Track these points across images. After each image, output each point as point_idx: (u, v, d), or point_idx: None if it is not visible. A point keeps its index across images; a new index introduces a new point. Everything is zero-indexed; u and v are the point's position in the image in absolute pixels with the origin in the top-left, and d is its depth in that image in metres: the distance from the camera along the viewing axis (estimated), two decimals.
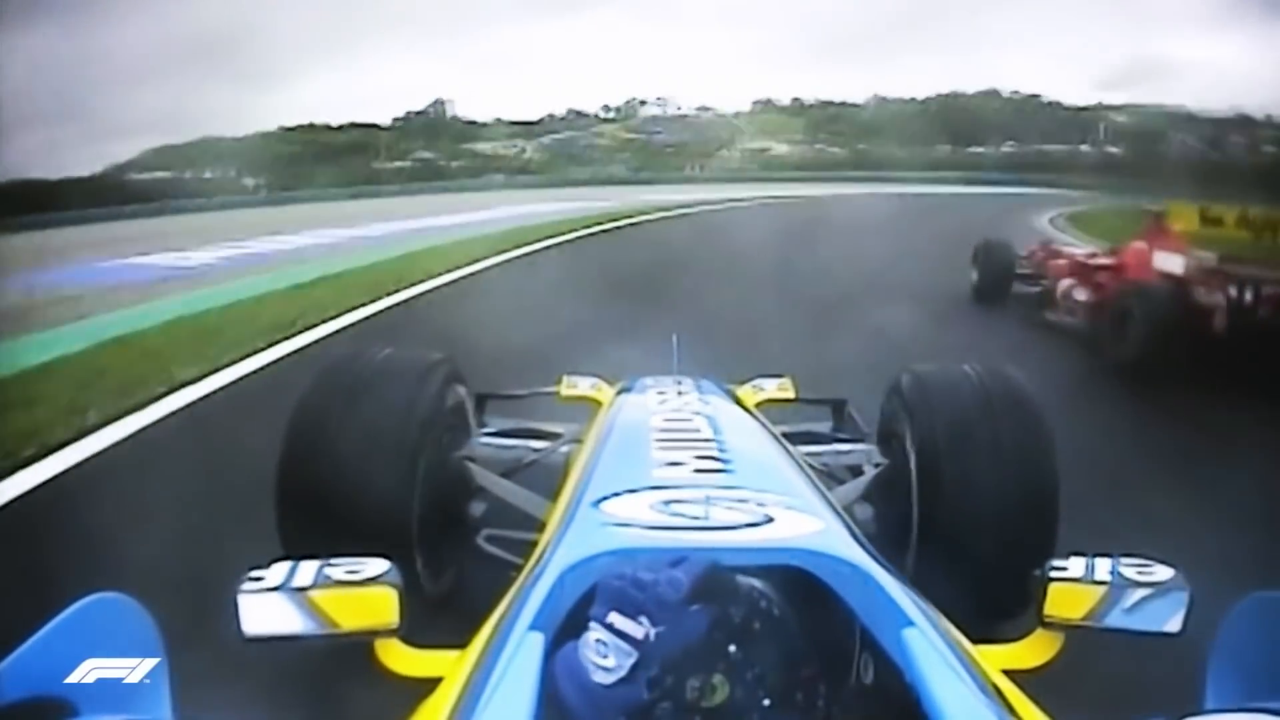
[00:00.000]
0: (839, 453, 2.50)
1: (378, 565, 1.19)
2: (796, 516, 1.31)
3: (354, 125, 41.76)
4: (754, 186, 29.15)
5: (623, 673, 0.89)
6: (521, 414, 2.88)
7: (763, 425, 2.09)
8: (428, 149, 40.47)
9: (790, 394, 3.00)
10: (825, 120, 47.16)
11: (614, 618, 0.90)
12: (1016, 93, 47.19)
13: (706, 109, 47.30)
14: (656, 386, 2.29)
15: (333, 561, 1.19)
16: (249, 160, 34.81)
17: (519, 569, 1.32)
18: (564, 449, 2.38)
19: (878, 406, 2.48)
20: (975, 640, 1.10)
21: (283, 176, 32.07)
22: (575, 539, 1.26)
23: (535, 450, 2.46)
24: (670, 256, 11.19)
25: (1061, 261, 6.84)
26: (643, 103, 47.07)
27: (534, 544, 1.43)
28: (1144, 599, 1.17)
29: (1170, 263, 5.62)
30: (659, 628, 0.90)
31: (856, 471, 2.42)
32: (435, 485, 2.11)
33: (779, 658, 0.99)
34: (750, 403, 2.54)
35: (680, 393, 2.21)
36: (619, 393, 2.39)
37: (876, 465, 2.34)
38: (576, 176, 37.60)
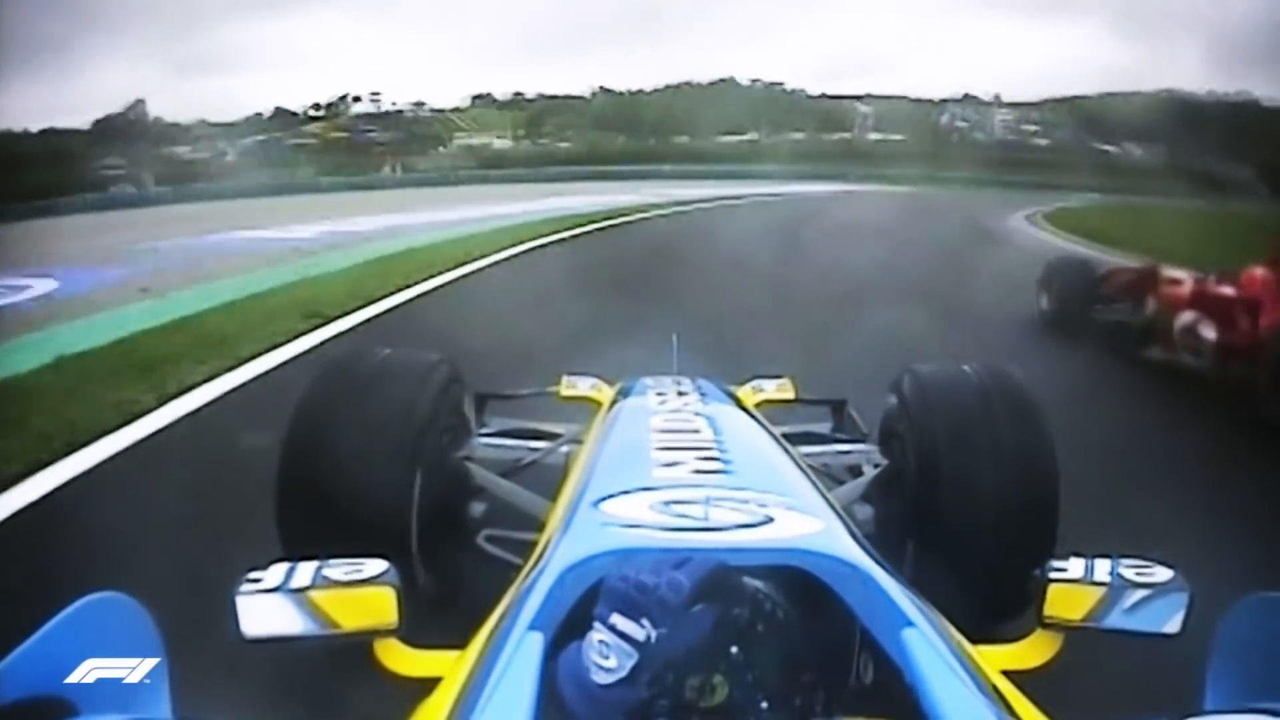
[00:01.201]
0: (839, 453, 2.50)
1: (376, 565, 1.19)
2: (796, 517, 1.31)
3: (53, 131, 37.67)
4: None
5: (623, 673, 0.89)
6: (521, 414, 2.88)
7: (762, 426, 2.09)
8: (122, 154, 36.04)
9: (790, 394, 3.00)
10: (548, 114, 45.45)
11: (616, 619, 0.90)
12: (757, 81, 46.03)
13: (421, 105, 44.90)
14: (656, 387, 2.29)
15: (331, 562, 1.19)
16: None
17: (519, 569, 1.32)
18: (564, 449, 2.38)
19: (879, 407, 2.48)
20: (975, 640, 1.10)
21: None
22: (575, 539, 1.26)
23: (535, 450, 2.46)
24: None
25: (1179, 290, 5.39)
26: (355, 99, 44.13)
27: (534, 544, 1.43)
28: (1143, 600, 1.18)
29: None
30: (660, 630, 0.90)
31: (856, 472, 2.42)
32: (435, 485, 2.10)
33: (779, 661, 0.99)
34: (750, 403, 2.54)
35: (680, 393, 2.21)
36: (619, 393, 2.39)
37: (876, 466, 2.34)
38: (264, 182, 32.73)
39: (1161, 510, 2.79)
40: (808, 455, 2.16)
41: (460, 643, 1.13)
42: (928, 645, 1.00)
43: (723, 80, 45.64)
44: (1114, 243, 12.27)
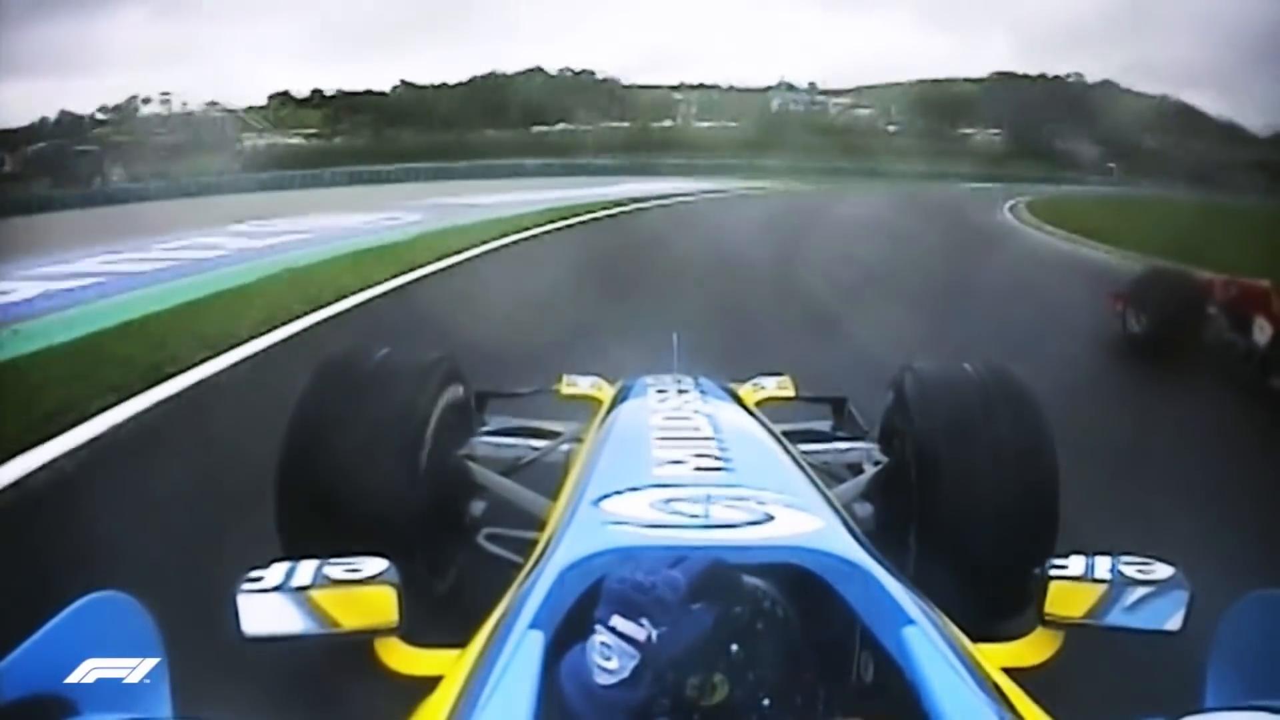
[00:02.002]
0: (839, 451, 2.50)
1: (377, 564, 1.19)
2: (796, 515, 1.31)
3: None
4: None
5: (625, 674, 0.89)
6: (522, 413, 2.88)
7: (763, 424, 2.09)
8: None
9: (790, 392, 3.00)
10: (348, 110, 43.89)
11: (616, 620, 0.90)
12: (567, 70, 44.91)
13: (215, 105, 41.51)
14: (656, 385, 2.29)
15: (332, 560, 1.19)
16: None
17: (519, 568, 1.32)
18: (564, 448, 2.38)
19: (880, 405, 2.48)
20: (975, 639, 1.10)
21: None
22: (575, 537, 1.26)
23: (535, 449, 2.46)
24: None
25: None
26: (145, 101, 40.20)
27: (534, 542, 1.43)
28: (1144, 597, 1.17)
29: None
30: (661, 629, 0.90)
31: (857, 470, 2.42)
32: (435, 484, 2.10)
33: (780, 659, 0.99)
34: (750, 401, 2.54)
35: (680, 391, 2.21)
36: (619, 392, 2.39)
37: (877, 463, 2.34)
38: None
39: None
40: (808, 453, 2.16)
41: (460, 642, 1.13)
42: (928, 643, 1.00)
43: (530, 70, 44.79)
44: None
